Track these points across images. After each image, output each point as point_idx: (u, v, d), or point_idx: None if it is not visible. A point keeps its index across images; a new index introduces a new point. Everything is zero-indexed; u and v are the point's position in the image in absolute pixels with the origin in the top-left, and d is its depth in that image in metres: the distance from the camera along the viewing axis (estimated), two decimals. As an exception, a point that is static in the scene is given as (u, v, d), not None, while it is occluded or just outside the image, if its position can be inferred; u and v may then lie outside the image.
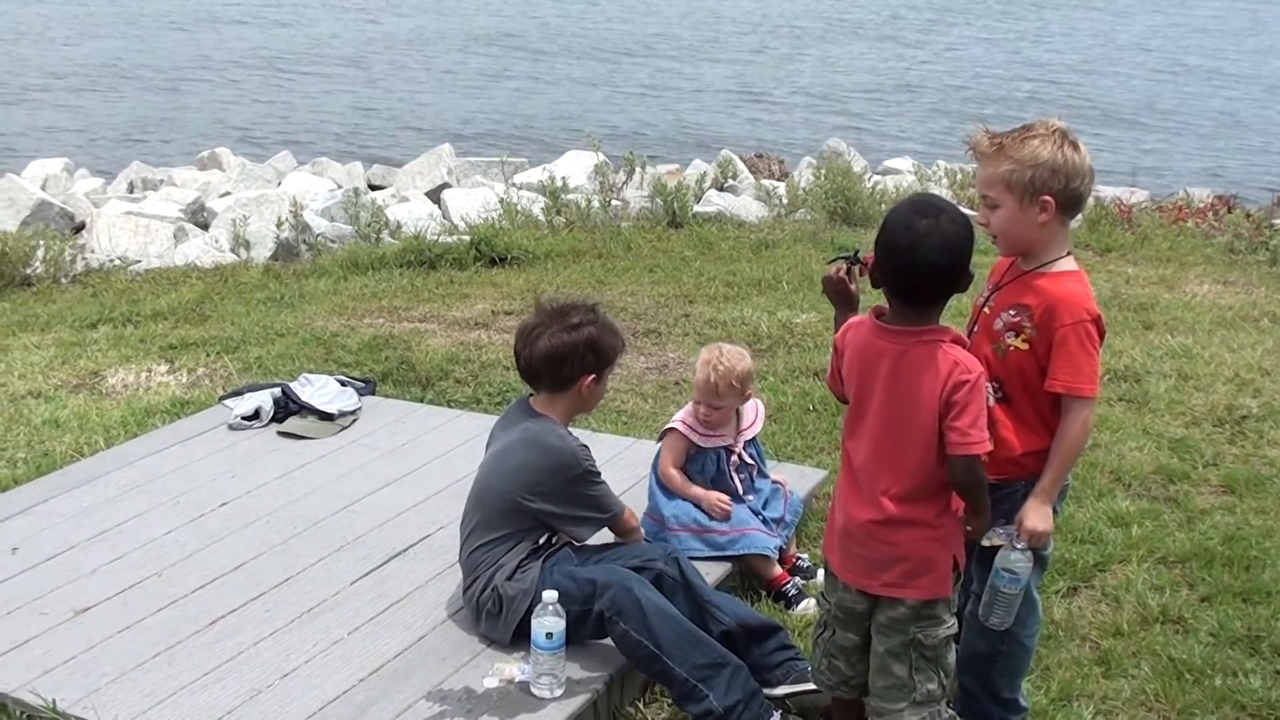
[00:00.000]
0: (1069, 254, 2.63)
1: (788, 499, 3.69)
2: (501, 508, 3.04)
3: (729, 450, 3.49)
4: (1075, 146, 2.57)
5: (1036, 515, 2.54)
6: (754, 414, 3.61)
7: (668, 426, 3.51)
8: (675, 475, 3.47)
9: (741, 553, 3.47)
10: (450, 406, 5.32)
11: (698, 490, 3.43)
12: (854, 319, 2.52)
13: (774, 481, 3.73)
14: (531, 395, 3.12)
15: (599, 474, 3.08)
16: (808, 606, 3.49)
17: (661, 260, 8.43)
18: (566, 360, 2.99)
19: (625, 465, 4.18)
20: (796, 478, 4.06)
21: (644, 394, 5.71)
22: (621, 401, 5.56)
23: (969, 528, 2.51)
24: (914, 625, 2.49)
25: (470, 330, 6.79)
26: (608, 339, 3.05)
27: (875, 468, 2.42)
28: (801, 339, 6.65)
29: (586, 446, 3.08)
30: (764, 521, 3.54)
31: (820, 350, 6.32)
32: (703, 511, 3.47)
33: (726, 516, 3.35)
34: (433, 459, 4.41)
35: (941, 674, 2.54)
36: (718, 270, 8.11)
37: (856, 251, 2.65)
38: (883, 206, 9.59)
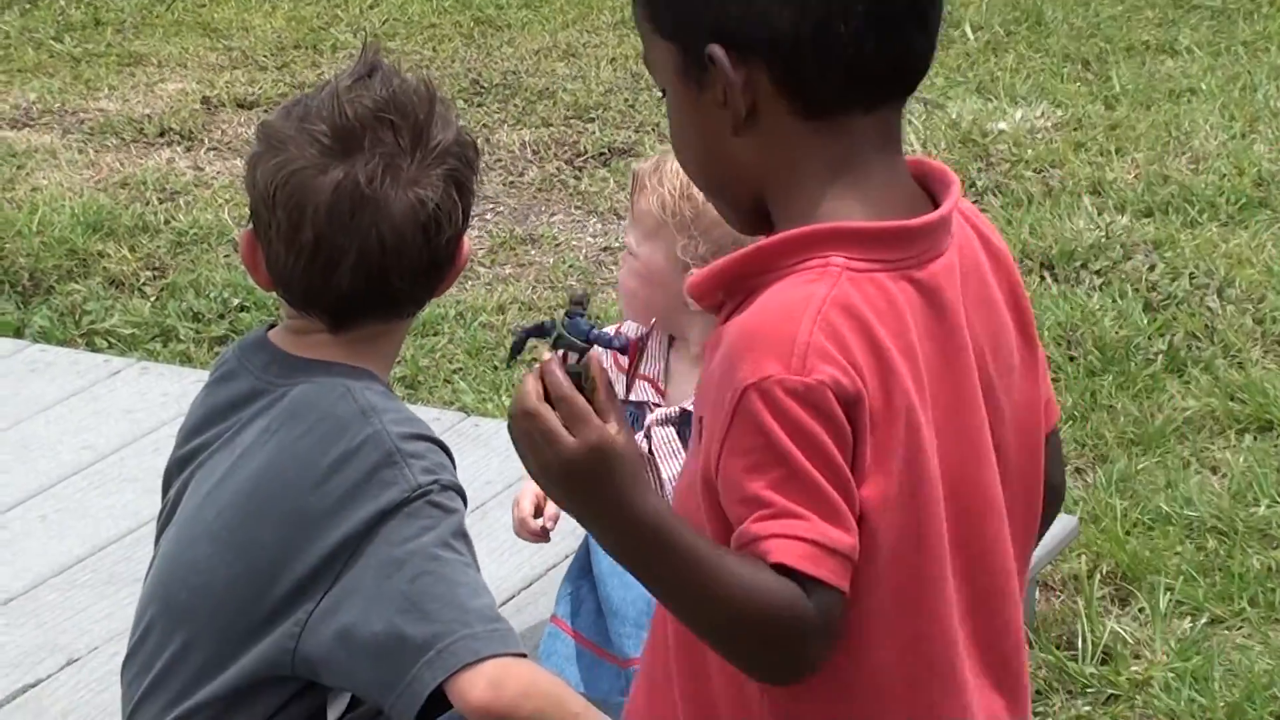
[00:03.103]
0: None
1: None
2: (233, 630, 2.54)
3: (638, 416, 3.08)
4: None
5: None
6: None
7: None
8: None
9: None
10: (97, 345, 4.86)
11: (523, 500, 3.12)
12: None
13: None
14: (286, 323, 2.67)
15: (464, 532, 2.53)
16: None
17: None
18: (451, 233, 2.53)
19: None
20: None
21: (597, 315, 5.00)
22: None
23: None
24: None
25: (148, 149, 6.22)
26: (471, 158, 2.59)
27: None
28: (1010, 173, 5.74)
29: (440, 444, 2.58)
30: None
31: (1059, 201, 5.52)
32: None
33: (540, 535, 3.09)
34: (46, 487, 3.83)
35: None
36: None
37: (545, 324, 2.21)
38: None
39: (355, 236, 2.50)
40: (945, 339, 1.84)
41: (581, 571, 3.11)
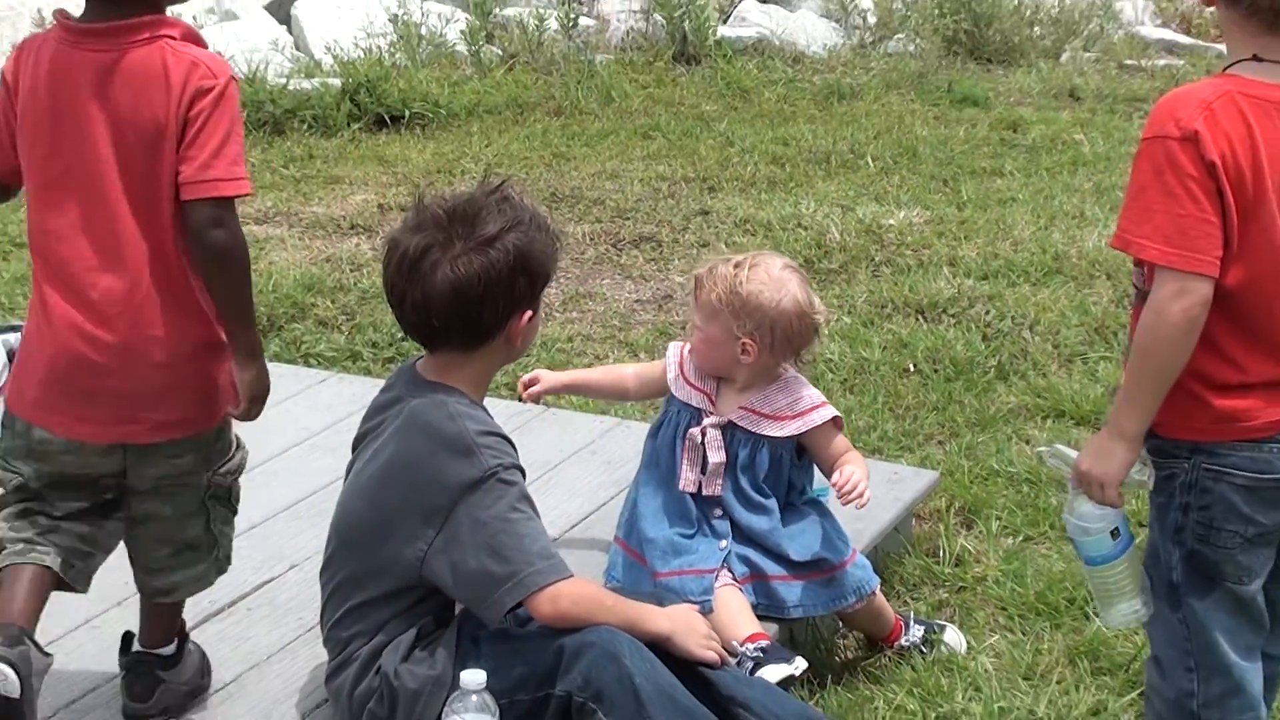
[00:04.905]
0: None
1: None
2: (380, 554, 2.46)
3: (695, 415, 2.87)
4: None
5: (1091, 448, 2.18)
6: (783, 399, 2.87)
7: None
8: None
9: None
10: (310, 364, 4.61)
11: None
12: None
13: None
14: (422, 358, 2.54)
15: (526, 495, 2.40)
16: None
17: (664, 120, 7.64)
18: (489, 299, 2.37)
19: (599, 466, 3.42)
20: (883, 484, 3.32)
21: (632, 343, 4.78)
22: (595, 356, 4.68)
23: None
24: None
25: (343, 237, 5.94)
26: (540, 244, 2.42)
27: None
28: (896, 252, 5.51)
29: (505, 438, 2.42)
30: (747, 557, 2.85)
31: (927, 270, 5.27)
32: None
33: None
34: (276, 454, 3.67)
35: None
36: (758, 136, 7.30)
37: None
38: (1034, 31, 8.68)
39: (409, 285, 2.38)
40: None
41: (632, 506, 3.05)
